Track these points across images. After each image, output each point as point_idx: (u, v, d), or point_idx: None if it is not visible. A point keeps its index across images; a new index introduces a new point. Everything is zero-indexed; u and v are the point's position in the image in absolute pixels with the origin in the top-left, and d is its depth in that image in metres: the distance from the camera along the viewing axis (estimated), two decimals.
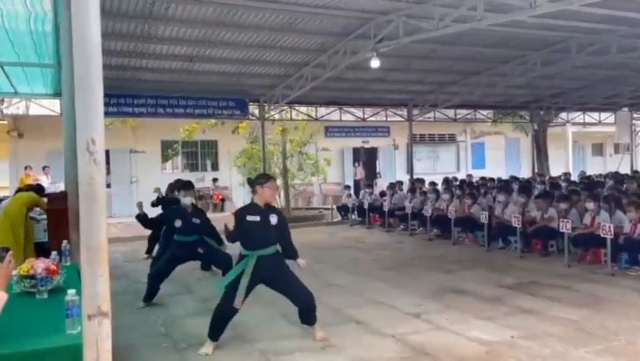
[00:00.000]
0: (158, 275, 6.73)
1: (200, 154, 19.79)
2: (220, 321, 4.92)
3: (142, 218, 6.76)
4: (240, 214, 4.83)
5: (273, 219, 4.88)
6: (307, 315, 5.12)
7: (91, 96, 2.08)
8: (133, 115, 14.20)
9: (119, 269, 9.02)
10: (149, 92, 13.37)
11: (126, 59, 10.94)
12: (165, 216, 7.06)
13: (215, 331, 4.93)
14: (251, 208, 4.90)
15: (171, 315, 6.22)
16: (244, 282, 4.73)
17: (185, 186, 7.09)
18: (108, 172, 18.15)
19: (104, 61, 10.98)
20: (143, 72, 11.90)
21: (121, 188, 18.00)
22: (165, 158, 19.30)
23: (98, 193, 2.07)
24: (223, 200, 19.32)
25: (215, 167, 19.75)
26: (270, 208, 4.95)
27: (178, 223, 6.67)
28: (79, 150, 2.07)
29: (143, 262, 9.76)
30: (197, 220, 6.79)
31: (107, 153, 20.34)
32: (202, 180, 19.43)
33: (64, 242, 4.62)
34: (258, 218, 4.80)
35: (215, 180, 19.33)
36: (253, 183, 4.94)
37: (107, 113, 13.39)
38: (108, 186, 17.93)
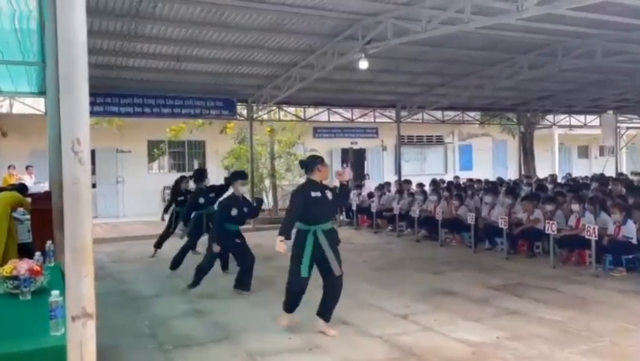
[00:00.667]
0: (210, 266, 7.06)
1: (188, 154, 19.68)
2: (294, 296, 5.31)
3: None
4: (305, 191, 5.24)
5: (329, 194, 5.31)
6: (329, 304, 5.29)
7: (76, 95, 2.05)
8: (119, 115, 14.06)
9: (105, 270, 8.94)
10: (136, 92, 13.26)
11: (112, 58, 10.83)
12: (223, 204, 7.13)
13: (291, 305, 5.37)
14: (312, 186, 5.29)
15: (157, 316, 6.17)
16: (307, 254, 5.09)
17: (243, 175, 7.32)
18: (93, 172, 17.99)
19: (90, 60, 10.89)
20: (129, 71, 11.80)
21: (107, 188, 17.84)
22: (152, 158, 19.16)
23: (83, 193, 2.04)
24: None
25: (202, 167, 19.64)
26: (324, 185, 5.40)
27: (234, 212, 6.87)
28: (63, 149, 2.03)
29: (128, 263, 9.69)
30: (246, 210, 7.05)
31: (93, 152, 20.14)
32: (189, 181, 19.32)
33: (49, 243, 4.56)
34: (319, 194, 5.22)
35: None
36: (311, 163, 5.39)
37: (92, 113, 13.33)
38: (94, 186, 17.76)
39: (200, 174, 9.10)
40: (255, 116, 15.23)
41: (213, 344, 5.13)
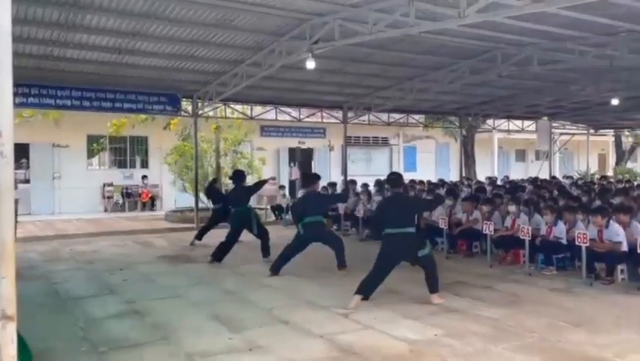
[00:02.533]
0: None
1: (130, 150, 19.11)
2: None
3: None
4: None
5: None
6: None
7: None
8: (56, 107, 13.38)
9: (36, 270, 8.52)
10: (74, 84, 12.72)
11: (49, 48, 10.34)
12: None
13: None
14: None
15: (92, 317, 5.94)
16: None
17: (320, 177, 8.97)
18: (27, 167, 17.17)
19: (24, 49, 10.32)
20: (67, 62, 11.28)
21: (41, 184, 17.08)
22: (91, 153, 18.49)
23: (3, 188, 1.93)
24: (153, 198, 18.74)
25: (144, 164, 19.15)
26: None
27: None
28: None
29: (63, 262, 9.29)
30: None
31: (27, 146, 19.11)
32: (130, 178, 18.78)
33: None
34: None
35: (144, 177, 18.71)
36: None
37: (26, 104, 12.73)
38: (27, 182, 16.94)
39: (242, 175, 10.03)
40: (200, 112, 14.95)
41: (151, 345, 4.99)
